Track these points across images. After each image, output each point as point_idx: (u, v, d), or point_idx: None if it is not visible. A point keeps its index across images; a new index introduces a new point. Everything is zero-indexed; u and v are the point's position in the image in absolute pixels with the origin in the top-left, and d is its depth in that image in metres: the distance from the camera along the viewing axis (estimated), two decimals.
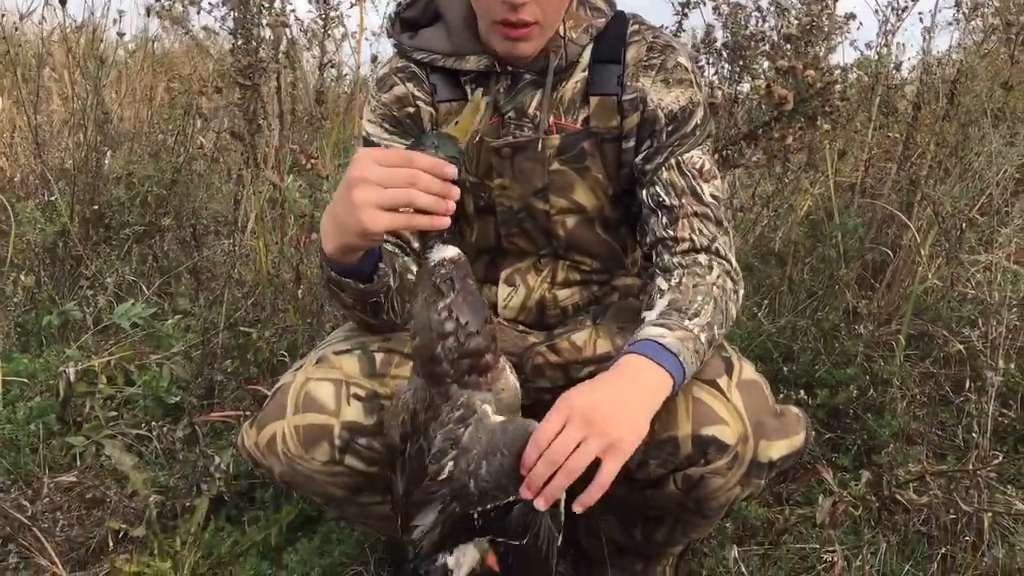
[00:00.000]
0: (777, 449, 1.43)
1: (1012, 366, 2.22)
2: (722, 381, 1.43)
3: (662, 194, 1.52)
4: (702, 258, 1.50)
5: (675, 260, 1.50)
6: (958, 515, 1.81)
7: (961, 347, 2.33)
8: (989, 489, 1.85)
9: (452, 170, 1.15)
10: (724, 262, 1.51)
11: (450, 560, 1.25)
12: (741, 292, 1.53)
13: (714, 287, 1.45)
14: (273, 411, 1.47)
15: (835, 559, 1.75)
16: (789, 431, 1.46)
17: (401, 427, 1.28)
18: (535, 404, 1.69)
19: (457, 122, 1.22)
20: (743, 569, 1.76)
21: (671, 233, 1.51)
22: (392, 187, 1.14)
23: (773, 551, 1.91)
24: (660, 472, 1.45)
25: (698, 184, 1.52)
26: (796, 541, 1.93)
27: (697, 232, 1.51)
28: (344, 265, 1.32)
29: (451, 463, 1.22)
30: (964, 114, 2.71)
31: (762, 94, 2.29)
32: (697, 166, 1.53)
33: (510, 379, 1.28)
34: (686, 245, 1.50)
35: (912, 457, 2.07)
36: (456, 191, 1.17)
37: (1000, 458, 1.92)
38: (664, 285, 1.47)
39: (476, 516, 1.23)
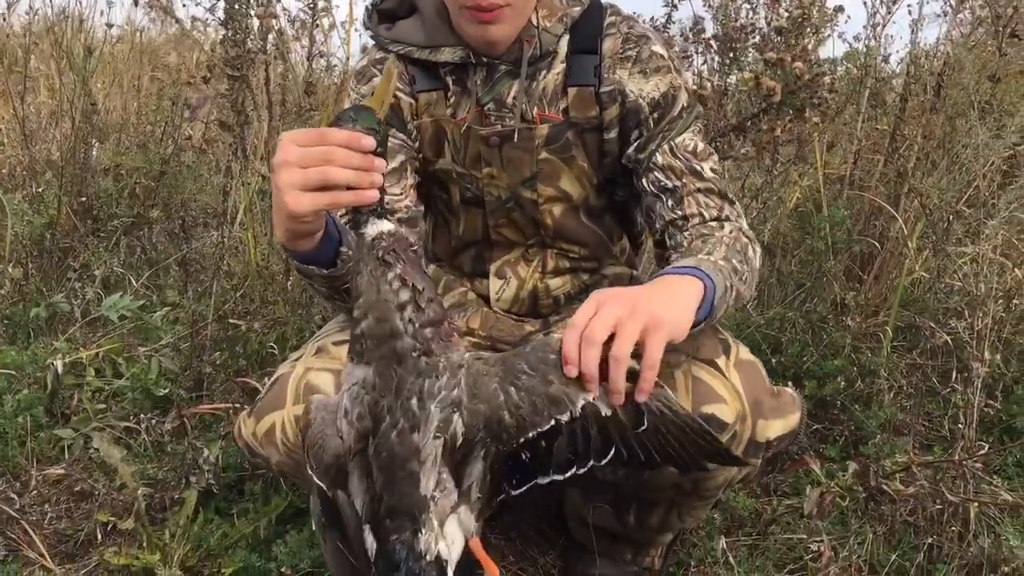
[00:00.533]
0: (774, 429, 1.45)
1: (998, 357, 2.23)
2: (720, 361, 1.45)
3: (662, 178, 1.53)
4: (713, 223, 1.50)
5: (687, 235, 1.50)
6: (944, 505, 1.83)
7: (948, 338, 2.34)
8: (975, 479, 1.86)
9: (369, 141, 1.11)
10: (741, 222, 1.52)
11: (443, 548, 1.20)
12: (758, 249, 1.52)
13: (724, 237, 1.45)
14: (272, 401, 1.47)
15: (822, 549, 1.76)
16: (785, 411, 1.47)
17: (355, 424, 1.19)
18: None
19: (373, 93, 1.18)
20: (731, 559, 1.77)
21: (679, 213, 1.52)
22: (310, 166, 1.10)
23: (761, 541, 1.92)
24: None
25: (696, 164, 1.53)
26: (784, 531, 1.95)
27: (704, 207, 1.51)
28: (302, 252, 1.30)
29: (460, 421, 1.16)
30: (951, 106, 2.71)
31: (750, 86, 2.30)
32: (690, 148, 1.54)
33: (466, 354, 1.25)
34: (696, 220, 1.51)
35: (899, 448, 2.08)
36: (380, 163, 1.13)
37: (986, 449, 1.94)
38: (674, 256, 1.47)
39: (524, 453, 1.17)
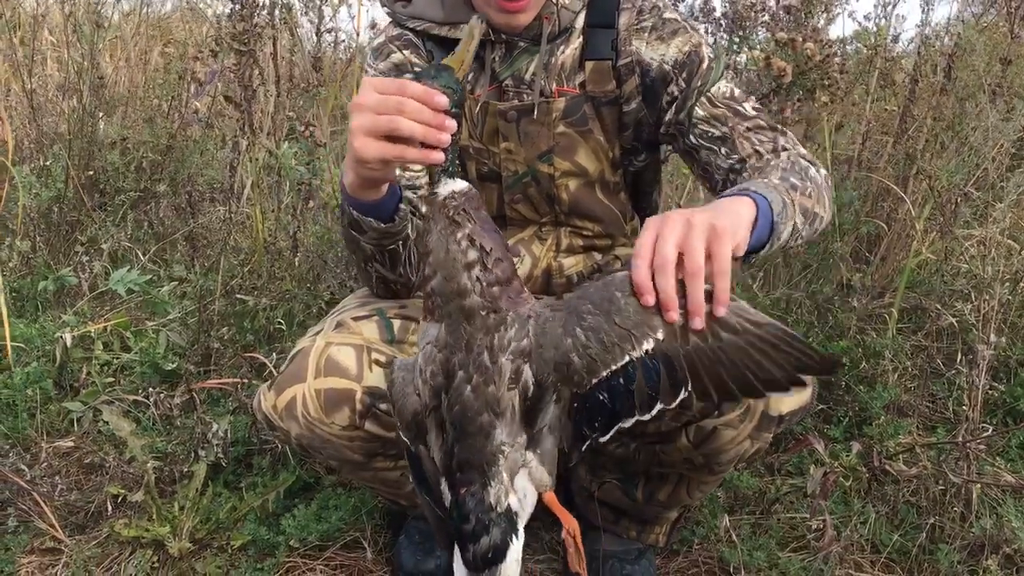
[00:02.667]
0: (787, 404, 1.47)
1: (1003, 340, 2.23)
2: None
3: (710, 129, 1.55)
4: (769, 156, 1.52)
5: (745, 175, 1.52)
6: (947, 486, 1.84)
7: (953, 320, 2.35)
8: (978, 461, 1.87)
9: (442, 99, 1.11)
10: (792, 152, 1.52)
11: (513, 501, 1.21)
12: (822, 170, 1.52)
13: (780, 163, 1.47)
14: (293, 374, 1.49)
15: (825, 528, 1.77)
16: None
17: (430, 381, 1.22)
18: None
19: (455, 53, 1.19)
20: (734, 537, 1.79)
21: (736, 156, 1.54)
22: (383, 113, 1.11)
23: (764, 520, 1.94)
24: (673, 425, 1.47)
25: (737, 106, 1.55)
26: (787, 510, 1.96)
27: (758, 143, 1.53)
28: (364, 202, 1.31)
29: (529, 370, 1.17)
30: (962, 88, 2.70)
31: (761, 66, 2.29)
32: (727, 94, 1.56)
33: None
34: (753, 159, 1.52)
35: (903, 429, 2.09)
36: (451, 124, 1.13)
37: (989, 431, 1.94)
38: None
39: (600, 393, 1.15)
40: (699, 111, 1.55)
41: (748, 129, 1.54)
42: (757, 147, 1.52)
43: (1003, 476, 1.87)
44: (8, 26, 3.67)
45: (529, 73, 1.58)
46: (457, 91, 1.14)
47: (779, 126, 1.57)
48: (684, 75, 1.56)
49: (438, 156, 1.14)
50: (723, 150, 1.55)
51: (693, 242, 1.11)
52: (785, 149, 1.53)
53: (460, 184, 1.19)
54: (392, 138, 1.12)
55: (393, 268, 1.50)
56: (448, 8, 1.57)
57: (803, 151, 1.54)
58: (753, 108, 1.56)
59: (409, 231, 1.44)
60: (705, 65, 1.56)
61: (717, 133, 1.55)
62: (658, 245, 1.12)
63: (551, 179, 1.63)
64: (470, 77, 1.60)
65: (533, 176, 1.64)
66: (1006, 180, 2.48)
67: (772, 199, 1.30)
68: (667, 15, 1.58)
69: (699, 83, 1.55)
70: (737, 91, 1.57)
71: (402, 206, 1.37)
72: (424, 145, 1.13)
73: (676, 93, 1.57)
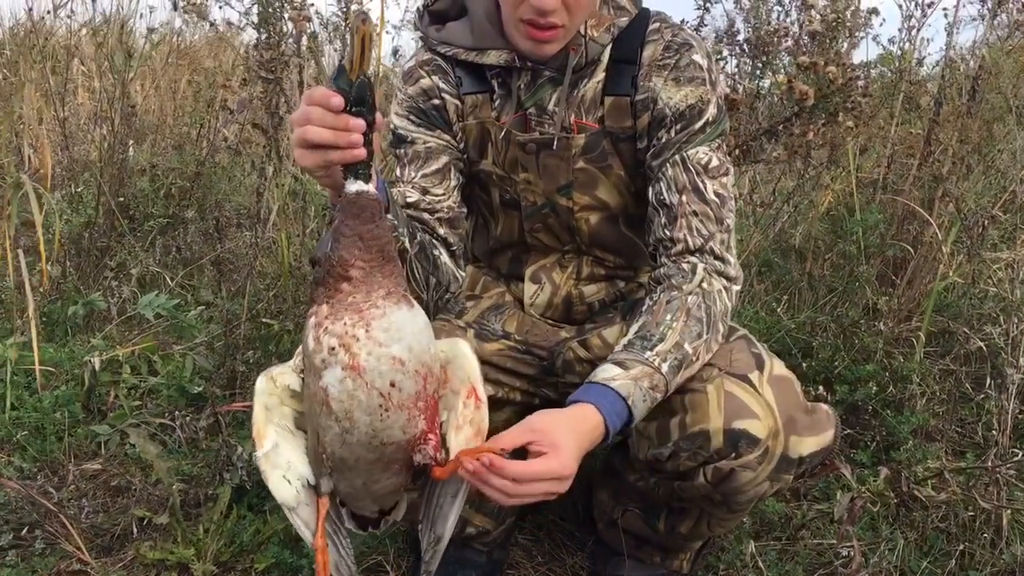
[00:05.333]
0: (807, 445, 1.44)
1: None
2: (754, 376, 1.44)
3: (664, 191, 1.52)
4: (690, 261, 1.49)
5: (666, 265, 1.51)
6: (976, 512, 1.82)
7: (982, 344, 2.32)
8: (1008, 486, 1.85)
9: (337, 100, 1.11)
10: (717, 261, 1.50)
11: None
12: (735, 287, 1.52)
13: (689, 296, 1.45)
14: None
15: (853, 555, 1.75)
16: (819, 428, 1.47)
17: None
18: (562, 400, 1.70)
19: (347, 51, 1.17)
20: (760, 563, 1.77)
21: (668, 234, 1.51)
22: (300, 125, 1.13)
23: (790, 546, 1.91)
24: (690, 465, 1.45)
25: (701, 180, 1.51)
26: (814, 536, 1.94)
27: (694, 232, 1.50)
28: None
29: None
30: (988, 111, 2.69)
31: (783, 90, 2.29)
32: (703, 162, 1.51)
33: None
34: (680, 247, 1.50)
35: (931, 454, 2.07)
36: (357, 123, 1.12)
37: (1019, 456, 1.92)
38: (645, 304, 1.48)
39: None
40: (668, 168, 1.51)
41: (694, 212, 1.50)
42: (689, 237, 1.50)
43: None
44: (41, 56, 3.75)
45: (551, 104, 1.57)
46: (350, 90, 1.12)
47: (727, 219, 1.53)
48: (678, 125, 1.52)
49: (356, 153, 1.14)
50: (663, 219, 1.52)
51: (519, 493, 1.20)
52: (713, 254, 1.50)
53: (363, 186, 1.17)
54: (315, 145, 1.13)
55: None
56: (476, 34, 1.56)
57: (729, 259, 1.52)
58: (715, 192, 1.51)
59: (407, 245, 1.43)
60: (700, 124, 1.52)
61: (667, 200, 1.51)
62: (533, 486, 1.20)
63: (570, 212, 1.62)
64: (496, 103, 1.59)
65: (552, 208, 1.63)
66: None
67: (636, 410, 1.33)
68: (694, 57, 1.53)
69: (685, 138, 1.51)
70: (716, 162, 1.52)
71: (389, 216, 1.31)
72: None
73: (664, 139, 1.53)
